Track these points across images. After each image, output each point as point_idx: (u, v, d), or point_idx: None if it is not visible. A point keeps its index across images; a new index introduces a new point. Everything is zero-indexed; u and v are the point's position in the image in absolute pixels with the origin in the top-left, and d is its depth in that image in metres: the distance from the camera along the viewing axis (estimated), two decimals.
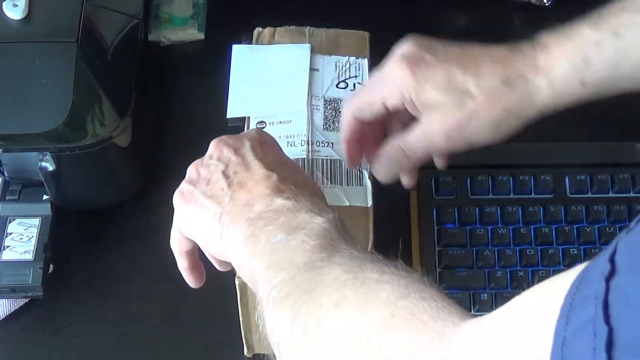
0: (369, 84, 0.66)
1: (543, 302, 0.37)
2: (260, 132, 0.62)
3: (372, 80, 0.65)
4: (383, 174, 0.66)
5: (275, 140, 0.62)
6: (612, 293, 0.33)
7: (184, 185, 0.59)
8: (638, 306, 0.32)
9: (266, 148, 0.59)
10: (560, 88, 0.59)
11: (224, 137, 0.60)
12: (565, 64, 0.59)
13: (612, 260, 0.34)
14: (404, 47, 0.62)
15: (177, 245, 0.62)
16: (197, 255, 0.63)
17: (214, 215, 0.56)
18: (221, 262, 0.62)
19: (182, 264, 0.63)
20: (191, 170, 0.59)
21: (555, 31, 0.61)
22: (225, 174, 0.57)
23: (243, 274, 0.56)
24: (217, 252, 0.58)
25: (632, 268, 0.33)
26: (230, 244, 0.55)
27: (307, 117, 0.71)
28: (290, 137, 0.70)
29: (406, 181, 0.68)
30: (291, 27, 0.77)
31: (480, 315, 0.43)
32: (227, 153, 0.58)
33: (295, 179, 0.57)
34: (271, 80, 0.74)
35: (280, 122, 0.71)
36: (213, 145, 0.60)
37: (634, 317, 0.32)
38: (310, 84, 0.73)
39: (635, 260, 0.33)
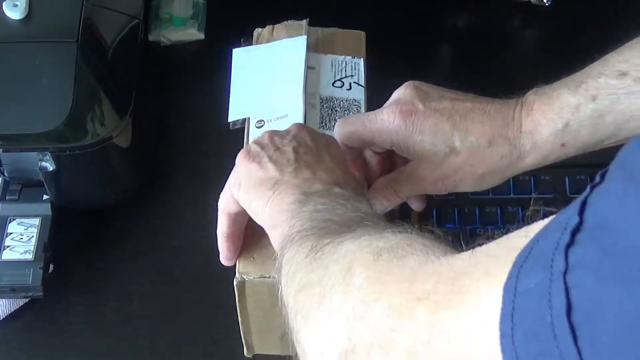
0: (363, 118, 0.67)
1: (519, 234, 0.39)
2: (301, 126, 0.63)
3: (367, 116, 0.67)
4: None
5: (315, 132, 0.63)
6: (591, 196, 0.36)
7: (252, 145, 0.61)
8: (610, 198, 0.35)
9: (338, 154, 0.62)
10: (542, 150, 0.63)
11: (270, 132, 0.62)
12: (546, 128, 0.62)
13: (581, 214, 0.35)
14: (401, 93, 0.65)
15: (224, 204, 0.63)
16: (241, 227, 0.64)
17: (270, 179, 0.58)
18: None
19: (222, 229, 0.63)
20: (264, 135, 0.61)
21: (539, 89, 0.64)
22: (295, 151, 0.59)
23: (274, 234, 0.57)
24: (254, 213, 0.59)
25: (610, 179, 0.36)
26: (275, 207, 0.57)
27: (302, 114, 0.71)
28: None
29: (415, 206, 0.71)
30: (289, 22, 0.77)
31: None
32: (304, 136, 0.61)
33: (347, 180, 0.59)
34: (269, 78, 0.75)
35: (278, 118, 0.71)
36: (295, 126, 0.62)
37: (606, 204, 0.35)
38: (306, 81, 0.73)
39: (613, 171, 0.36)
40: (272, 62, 0.75)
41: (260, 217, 0.58)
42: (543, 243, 0.36)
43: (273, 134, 0.61)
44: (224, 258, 0.65)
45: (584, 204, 0.35)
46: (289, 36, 0.75)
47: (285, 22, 0.77)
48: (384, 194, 0.67)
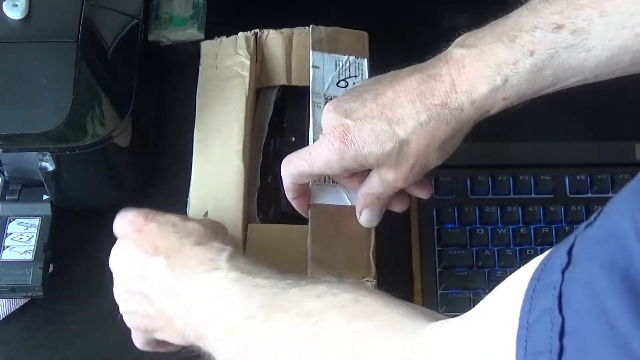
0: (305, 156, 0.66)
1: (508, 295, 0.39)
2: (129, 217, 0.65)
3: (308, 154, 0.66)
4: (372, 221, 0.69)
5: (146, 214, 0.64)
6: (565, 284, 0.35)
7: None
8: (581, 295, 0.34)
9: (146, 231, 0.63)
10: (483, 105, 0.61)
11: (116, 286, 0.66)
12: (484, 86, 0.61)
13: (569, 253, 0.36)
14: (326, 120, 0.65)
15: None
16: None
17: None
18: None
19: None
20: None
21: (465, 41, 0.63)
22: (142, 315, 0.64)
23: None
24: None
25: (581, 261, 0.35)
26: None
27: (309, 114, 0.71)
28: None
29: (398, 208, 0.71)
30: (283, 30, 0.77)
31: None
32: (120, 261, 0.66)
33: (184, 249, 0.61)
34: None
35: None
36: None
37: (577, 306, 0.34)
38: (311, 81, 0.73)
39: (585, 253, 0.35)
40: None
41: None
42: (536, 339, 0.36)
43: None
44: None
45: (560, 297, 0.35)
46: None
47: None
48: (369, 203, 0.67)
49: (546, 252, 0.38)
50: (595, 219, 0.36)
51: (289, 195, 0.69)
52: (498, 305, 0.40)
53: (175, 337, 0.61)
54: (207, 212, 0.70)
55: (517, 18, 0.61)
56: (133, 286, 0.62)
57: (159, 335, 0.63)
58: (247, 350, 0.53)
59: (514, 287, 0.39)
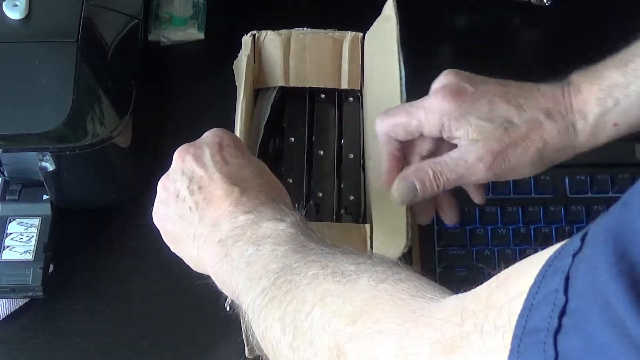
0: (406, 107, 0.65)
1: (521, 276, 0.39)
2: (219, 133, 0.62)
3: (410, 105, 0.65)
4: (401, 194, 0.65)
5: (235, 138, 0.62)
6: (574, 266, 0.35)
7: (158, 205, 0.61)
8: (584, 277, 0.35)
9: (226, 153, 0.60)
10: (594, 129, 0.62)
11: (184, 146, 0.61)
12: (596, 107, 0.61)
13: (583, 239, 0.36)
14: (445, 79, 0.64)
15: None
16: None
17: (187, 236, 0.59)
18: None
19: None
20: (160, 188, 0.61)
21: (583, 71, 0.63)
22: (190, 190, 0.59)
23: (226, 291, 0.58)
24: (197, 269, 0.60)
25: (589, 244, 0.35)
26: (209, 265, 0.58)
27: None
28: None
29: (422, 219, 0.71)
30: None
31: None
32: (189, 164, 0.60)
33: (256, 186, 0.59)
34: None
35: None
36: (176, 156, 0.61)
37: (581, 288, 0.35)
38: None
39: (595, 238, 0.35)
40: None
41: (205, 271, 0.59)
42: (536, 317, 0.36)
43: (166, 181, 0.61)
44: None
45: (567, 279, 0.36)
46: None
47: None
48: (421, 176, 0.63)
49: (563, 242, 0.39)
50: (613, 207, 0.36)
51: (384, 156, 0.66)
52: (509, 282, 0.40)
53: (188, 255, 0.60)
54: None
55: (633, 47, 0.62)
56: (185, 186, 0.59)
57: (175, 247, 0.62)
58: (275, 292, 0.51)
59: (528, 267, 0.39)
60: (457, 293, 0.45)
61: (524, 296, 0.38)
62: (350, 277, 0.49)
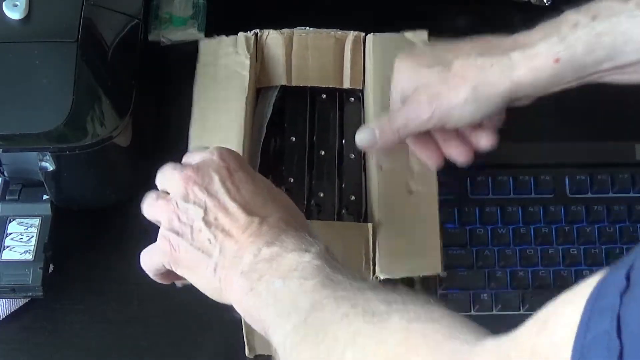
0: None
1: (561, 318, 0.38)
2: (223, 156, 0.60)
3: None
4: (362, 140, 0.68)
5: (240, 159, 0.60)
6: (624, 307, 0.34)
7: (168, 235, 0.58)
8: None
9: (236, 179, 0.58)
10: (535, 63, 0.61)
11: (188, 172, 0.58)
12: (541, 41, 0.61)
13: (628, 277, 0.35)
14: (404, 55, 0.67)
15: (156, 275, 0.63)
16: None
17: (207, 268, 0.57)
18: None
19: (157, 279, 0.64)
20: (169, 217, 0.58)
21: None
22: (206, 222, 0.57)
23: (252, 323, 0.57)
24: (219, 299, 0.58)
25: None
26: (233, 299, 0.56)
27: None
28: None
29: (431, 164, 0.71)
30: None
31: (483, 325, 0.44)
32: (199, 194, 0.57)
33: (274, 212, 0.57)
34: None
35: None
36: (180, 184, 0.58)
37: (637, 332, 0.33)
38: None
39: None
40: None
41: (227, 302, 0.58)
42: (594, 354, 0.35)
43: (174, 211, 0.58)
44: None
45: (618, 321, 0.34)
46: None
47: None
48: (380, 123, 0.67)
49: (598, 274, 0.37)
50: (627, 281, 0.35)
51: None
52: (550, 325, 0.39)
53: (208, 285, 0.58)
54: None
55: None
56: (200, 217, 0.57)
57: (187, 273, 0.59)
58: (307, 331, 0.51)
59: (567, 308, 0.38)
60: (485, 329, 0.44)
61: (571, 342, 0.36)
62: (382, 316, 0.48)
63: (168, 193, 0.60)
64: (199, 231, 0.57)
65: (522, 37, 0.62)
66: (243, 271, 0.55)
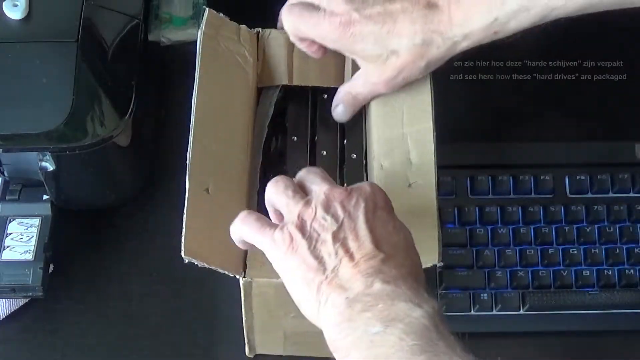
0: (311, 19, 0.69)
1: None
2: (375, 190, 0.59)
3: (312, 18, 0.69)
4: (342, 116, 0.74)
5: (387, 199, 0.59)
6: None
7: (294, 232, 0.56)
8: None
9: (379, 214, 0.57)
10: (475, 38, 0.66)
11: (339, 189, 0.58)
12: (478, 22, 0.66)
13: None
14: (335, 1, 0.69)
15: (240, 242, 0.60)
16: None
17: (314, 279, 0.55)
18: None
19: (235, 239, 0.61)
20: (303, 216, 0.57)
21: None
22: (335, 237, 0.56)
23: (336, 354, 0.55)
24: (308, 316, 0.56)
25: None
26: (326, 320, 0.54)
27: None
28: None
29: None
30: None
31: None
32: (340, 211, 0.56)
33: (401, 258, 0.56)
34: None
35: None
36: (328, 195, 0.57)
37: None
38: None
39: None
40: None
41: (315, 321, 0.56)
42: None
43: (310, 215, 0.57)
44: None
45: None
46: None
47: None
48: (347, 100, 0.72)
49: None
50: None
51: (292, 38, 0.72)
52: None
53: (303, 296, 0.56)
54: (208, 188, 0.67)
55: None
56: (331, 231, 0.56)
57: (287, 275, 0.57)
58: None
59: None
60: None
61: None
62: None
63: (304, 193, 0.59)
64: (324, 242, 0.55)
65: (456, 14, 0.66)
66: (348, 297, 0.53)
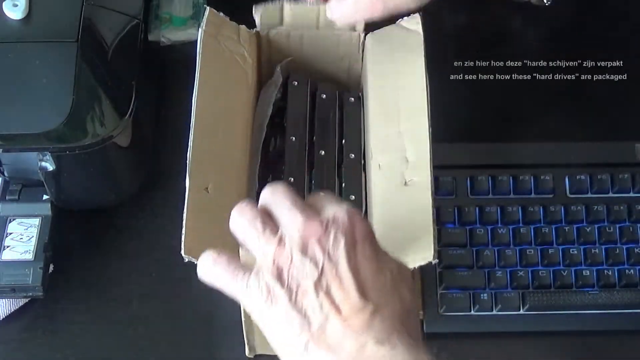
0: None
1: None
2: (353, 219, 0.52)
3: None
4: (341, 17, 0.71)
5: (367, 227, 0.53)
6: None
7: (271, 284, 0.51)
8: None
9: (360, 250, 0.52)
10: None
11: (315, 225, 0.51)
12: None
13: None
14: None
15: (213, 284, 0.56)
16: None
17: (300, 335, 0.50)
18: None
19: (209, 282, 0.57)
20: (278, 263, 0.51)
21: None
22: (317, 286, 0.50)
23: None
24: None
25: None
26: None
27: None
28: None
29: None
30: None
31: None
32: (318, 254, 0.51)
33: (392, 303, 0.51)
34: None
35: None
36: (303, 233, 0.51)
37: None
38: None
39: None
40: None
41: None
42: None
43: (287, 261, 0.51)
44: None
45: None
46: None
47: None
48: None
49: None
50: None
51: None
52: None
53: (285, 348, 0.52)
54: (208, 187, 0.67)
55: None
56: (312, 279, 0.50)
57: (267, 328, 0.52)
58: None
59: None
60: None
61: None
62: None
63: (273, 223, 0.53)
64: (305, 293, 0.50)
65: None
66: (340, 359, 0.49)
